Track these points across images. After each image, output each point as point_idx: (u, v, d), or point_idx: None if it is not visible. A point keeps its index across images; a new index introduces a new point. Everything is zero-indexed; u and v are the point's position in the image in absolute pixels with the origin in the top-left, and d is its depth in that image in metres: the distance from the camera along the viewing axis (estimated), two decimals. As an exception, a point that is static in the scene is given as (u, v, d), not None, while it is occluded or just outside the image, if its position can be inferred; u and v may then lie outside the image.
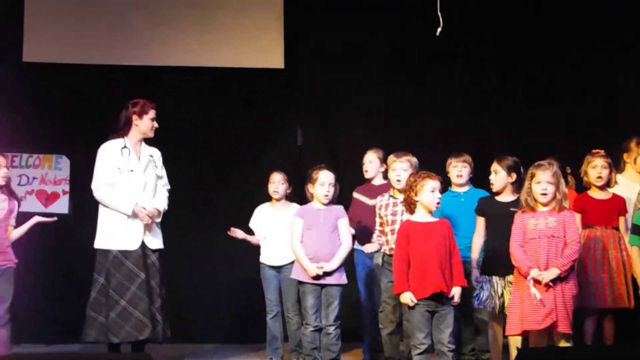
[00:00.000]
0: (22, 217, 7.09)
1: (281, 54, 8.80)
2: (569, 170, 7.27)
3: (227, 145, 8.81)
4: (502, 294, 6.43)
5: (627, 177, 7.14)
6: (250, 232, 7.58)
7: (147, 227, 6.83)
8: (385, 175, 7.38)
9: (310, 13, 8.87)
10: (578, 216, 6.59)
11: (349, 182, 7.74)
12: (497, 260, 6.46)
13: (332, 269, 6.56)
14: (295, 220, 6.77)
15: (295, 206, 7.24)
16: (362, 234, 7.22)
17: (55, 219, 7.04)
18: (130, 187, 6.83)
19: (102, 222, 6.87)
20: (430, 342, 6.01)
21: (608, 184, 6.79)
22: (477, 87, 8.95)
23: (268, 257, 7.39)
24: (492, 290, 6.47)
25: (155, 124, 6.97)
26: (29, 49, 8.59)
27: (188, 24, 8.78)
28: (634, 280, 6.59)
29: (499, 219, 6.50)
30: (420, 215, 6.16)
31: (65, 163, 8.62)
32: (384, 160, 7.41)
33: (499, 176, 6.66)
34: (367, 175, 7.51)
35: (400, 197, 6.60)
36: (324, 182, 6.71)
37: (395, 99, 8.87)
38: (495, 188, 6.71)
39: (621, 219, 6.76)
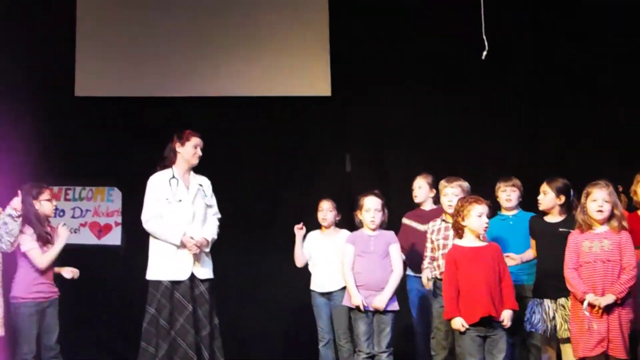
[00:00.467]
0: (73, 250, 7.16)
1: (328, 81, 8.86)
2: (620, 189, 7.17)
3: (276, 173, 8.88)
4: (554, 317, 6.36)
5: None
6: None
7: (196, 257, 6.82)
8: (435, 200, 7.36)
9: (355, 40, 8.93)
10: None
11: (399, 207, 7.71)
12: (548, 282, 6.41)
13: (384, 303, 6.52)
14: (347, 248, 6.75)
15: (344, 232, 7.22)
16: (413, 260, 7.19)
17: (73, 276, 7.02)
18: (179, 217, 6.86)
19: (153, 253, 6.92)
20: (483, 368, 5.97)
21: None
22: (526, 111, 8.91)
23: (318, 284, 7.36)
24: (544, 313, 6.40)
25: (199, 152, 6.97)
26: (81, 83, 8.76)
27: (236, 55, 8.90)
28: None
29: (547, 239, 6.47)
30: (469, 240, 6.13)
31: (117, 195, 8.73)
32: (433, 186, 7.39)
33: (547, 197, 6.62)
34: (416, 200, 7.49)
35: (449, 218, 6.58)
36: (369, 208, 6.71)
37: (443, 123, 8.85)
38: (542, 207, 6.67)
39: None
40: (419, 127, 8.83)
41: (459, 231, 6.19)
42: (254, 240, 8.76)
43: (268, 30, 8.95)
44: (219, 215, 7.13)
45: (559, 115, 8.87)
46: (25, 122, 8.18)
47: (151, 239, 6.93)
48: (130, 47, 8.83)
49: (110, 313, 8.44)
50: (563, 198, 6.58)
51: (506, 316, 5.95)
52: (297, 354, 8.35)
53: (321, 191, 7.87)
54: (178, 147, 6.96)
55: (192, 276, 6.82)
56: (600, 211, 5.96)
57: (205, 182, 7.10)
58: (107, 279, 8.37)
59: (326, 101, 8.90)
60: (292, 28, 8.98)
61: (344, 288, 6.84)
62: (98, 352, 8.41)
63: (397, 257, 6.71)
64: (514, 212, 7.06)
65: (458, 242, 6.22)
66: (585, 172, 7.58)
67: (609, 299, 5.79)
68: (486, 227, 6.11)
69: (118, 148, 8.66)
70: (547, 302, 6.42)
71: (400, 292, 6.94)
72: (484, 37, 6.80)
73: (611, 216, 5.97)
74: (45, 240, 6.74)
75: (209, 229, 6.99)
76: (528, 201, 7.04)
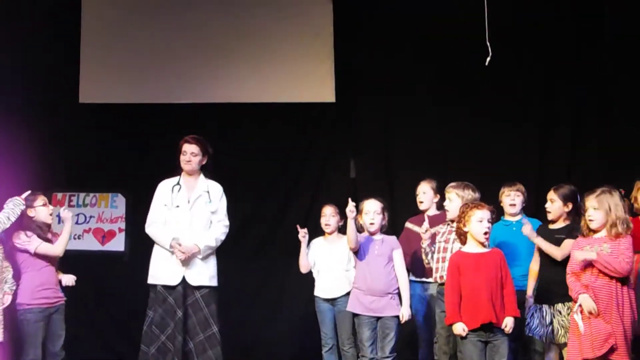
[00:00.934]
0: (76, 256, 7.18)
1: (332, 87, 8.86)
2: (622, 192, 7.15)
3: (281, 180, 8.90)
4: (551, 322, 6.36)
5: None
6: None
7: (187, 263, 6.79)
8: (439, 205, 7.36)
9: (360, 46, 8.93)
10: None
11: (404, 213, 7.73)
12: (546, 288, 6.43)
13: (409, 311, 6.62)
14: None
15: (347, 239, 7.22)
16: (415, 265, 7.19)
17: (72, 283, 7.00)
18: (177, 223, 6.88)
19: (152, 257, 6.97)
20: (483, 373, 5.97)
21: None
22: (534, 115, 8.90)
23: (322, 289, 7.34)
24: (542, 318, 6.40)
25: (188, 157, 6.94)
26: (85, 90, 8.77)
27: (241, 62, 8.90)
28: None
29: None
30: (471, 246, 6.14)
31: (121, 201, 8.74)
32: (437, 191, 7.39)
33: (555, 205, 6.60)
34: (421, 207, 7.47)
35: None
36: (368, 210, 6.76)
37: (447, 129, 8.84)
38: (550, 217, 6.64)
39: None
40: (423, 132, 8.81)
41: (461, 237, 6.20)
42: (259, 246, 8.77)
43: (273, 37, 8.95)
44: (226, 222, 7.04)
45: (567, 120, 8.87)
46: (29, 129, 8.22)
47: (155, 244, 6.97)
48: (135, 54, 8.85)
49: (113, 319, 8.45)
50: (570, 205, 6.56)
51: (508, 323, 5.94)
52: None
53: (326, 197, 7.91)
54: (179, 155, 7.00)
55: (185, 282, 6.79)
56: (591, 220, 5.97)
57: (214, 188, 7.04)
58: (111, 284, 8.39)
59: (330, 107, 8.90)
60: (297, 35, 8.98)
61: (348, 294, 6.88)
62: (102, 357, 8.41)
63: (400, 263, 6.75)
64: (518, 217, 7.03)
65: (462, 248, 6.22)
66: (594, 176, 7.65)
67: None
68: (487, 233, 6.10)
69: (122, 154, 8.69)
70: (545, 307, 6.43)
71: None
72: (488, 44, 6.80)
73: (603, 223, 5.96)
74: (46, 241, 6.75)
75: (207, 236, 6.91)
76: (534, 209, 7.04)
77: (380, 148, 8.95)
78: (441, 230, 6.85)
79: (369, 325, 6.62)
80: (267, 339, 8.54)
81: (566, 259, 6.16)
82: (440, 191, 7.30)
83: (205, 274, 6.88)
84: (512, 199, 7.05)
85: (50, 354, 6.67)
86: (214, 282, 6.93)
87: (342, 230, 7.44)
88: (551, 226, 6.63)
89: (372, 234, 6.76)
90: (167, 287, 6.81)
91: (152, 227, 6.94)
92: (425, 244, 6.84)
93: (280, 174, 8.89)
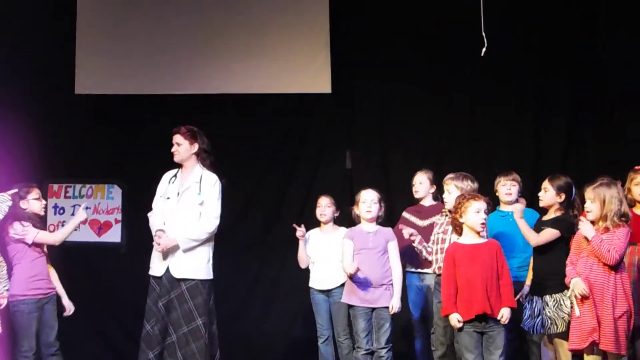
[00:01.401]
0: (73, 248, 7.18)
1: (328, 78, 8.83)
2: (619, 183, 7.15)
3: (276, 171, 8.88)
4: (539, 313, 6.39)
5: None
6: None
7: (170, 255, 6.75)
8: (435, 196, 7.36)
9: (356, 37, 8.90)
10: None
11: (401, 204, 7.73)
12: (536, 280, 6.49)
13: (399, 304, 6.62)
14: (346, 242, 6.79)
15: (343, 230, 7.20)
16: (411, 256, 7.18)
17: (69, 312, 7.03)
18: (168, 214, 6.86)
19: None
20: (481, 364, 5.98)
21: None
22: (531, 105, 8.89)
23: (317, 281, 7.36)
24: (531, 310, 6.43)
25: (174, 148, 6.92)
26: (81, 81, 8.74)
27: (237, 52, 8.87)
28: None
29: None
30: (467, 237, 6.14)
31: (117, 192, 8.72)
32: (434, 182, 7.38)
33: (547, 194, 6.62)
34: (417, 196, 7.46)
35: None
36: (365, 199, 6.76)
37: (443, 119, 8.82)
38: (541, 204, 6.68)
39: None
40: (419, 123, 8.80)
41: (457, 228, 6.20)
42: (255, 238, 8.76)
43: (268, 27, 8.92)
44: (215, 214, 6.86)
45: (563, 110, 8.86)
46: (25, 120, 8.19)
47: None
48: (131, 45, 8.82)
49: (110, 310, 8.45)
50: (563, 196, 6.57)
51: (504, 314, 5.94)
52: (296, 352, 8.35)
53: (322, 188, 7.89)
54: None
55: (170, 275, 6.73)
56: (588, 212, 6.01)
57: (206, 179, 6.92)
58: (107, 276, 8.40)
59: (326, 98, 8.87)
60: (293, 25, 8.94)
61: (343, 285, 6.88)
62: (99, 349, 8.43)
63: (395, 254, 6.75)
64: (514, 207, 7.06)
65: (457, 239, 6.22)
66: (591, 167, 7.64)
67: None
68: (484, 224, 6.10)
69: (118, 145, 8.68)
70: (536, 299, 6.46)
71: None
72: (483, 34, 6.79)
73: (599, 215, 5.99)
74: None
75: (191, 229, 6.80)
76: (531, 199, 7.04)
77: (376, 139, 8.93)
78: (439, 221, 6.85)
79: (364, 317, 6.63)
80: (263, 331, 8.54)
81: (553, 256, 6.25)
82: (436, 182, 7.30)
83: (189, 266, 6.76)
84: (508, 188, 7.05)
85: (45, 345, 6.68)
86: (200, 275, 6.78)
87: (337, 221, 7.46)
88: (544, 217, 6.65)
89: (368, 221, 6.76)
90: (155, 278, 6.82)
91: (151, 217, 6.95)
92: (416, 242, 6.84)
93: (276, 165, 8.87)
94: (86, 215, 7.04)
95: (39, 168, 8.04)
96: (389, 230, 6.84)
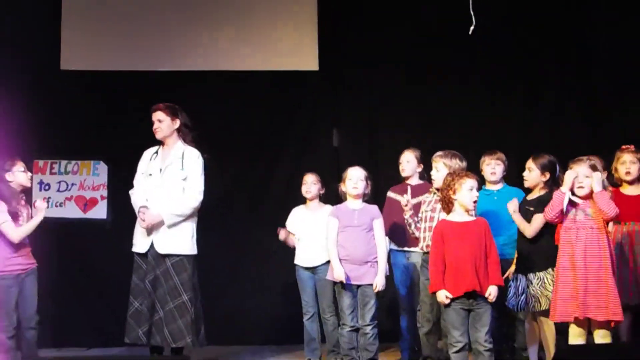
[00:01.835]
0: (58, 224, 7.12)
1: (316, 55, 8.79)
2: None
3: (264, 148, 8.85)
4: (524, 291, 6.44)
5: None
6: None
7: (154, 231, 6.81)
8: (421, 175, 7.37)
9: (343, 14, 8.86)
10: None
11: (387, 182, 7.72)
12: (520, 258, 6.54)
13: (383, 282, 6.64)
14: (330, 221, 6.80)
15: (329, 207, 7.21)
16: (397, 234, 7.21)
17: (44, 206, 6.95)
18: (150, 190, 6.90)
19: (136, 226, 6.99)
20: (466, 341, 6.00)
21: (639, 180, 6.72)
22: (517, 85, 8.91)
23: (303, 258, 7.38)
24: (515, 288, 6.47)
25: (154, 126, 6.98)
26: (66, 57, 8.66)
27: (223, 29, 8.82)
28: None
29: (520, 216, 6.55)
30: (457, 215, 6.16)
31: (103, 169, 8.68)
32: (421, 160, 7.39)
33: (532, 174, 6.65)
34: (403, 174, 7.46)
35: None
36: (352, 177, 6.78)
37: (432, 97, 8.80)
38: (527, 184, 6.72)
39: None
40: (407, 101, 8.79)
41: (448, 205, 6.20)
42: (241, 216, 8.74)
43: (256, 3, 8.87)
44: (199, 189, 6.95)
45: (551, 90, 8.91)
46: (10, 96, 8.11)
47: None
48: (117, 21, 8.74)
49: (95, 286, 8.42)
50: (548, 175, 6.61)
51: (491, 291, 5.98)
52: (281, 329, 8.37)
53: (309, 166, 7.87)
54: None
55: (155, 250, 6.80)
56: (581, 187, 6.06)
57: (189, 154, 6.99)
58: (93, 252, 8.35)
59: (314, 76, 8.84)
60: (280, 1, 8.92)
61: (329, 262, 6.87)
62: (84, 324, 8.40)
63: (380, 232, 6.76)
64: (499, 186, 7.09)
65: (446, 217, 6.24)
66: (578, 146, 7.66)
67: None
68: (476, 201, 6.13)
69: (104, 122, 8.60)
70: (520, 276, 6.51)
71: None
72: (472, 12, 6.78)
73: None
74: (14, 216, 6.71)
75: (174, 204, 6.86)
76: (517, 178, 7.07)
77: (363, 116, 8.91)
78: (427, 199, 6.86)
79: (349, 294, 6.67)
80: (249, 308, 8.52)
81: (538, 234, 6.33)
82: (423, 161, 7.31)
83: (174, 242, 6.83)
84: (492, 167, 7.09)
85: (24, 319, 6.67)
86: (184, 250, 6.86)
87: (323, 198, 7.47)
88: (528, 196, 6.70)
89: (354, 198, 6.76)
90: (140, 255, 6.86)
91: (133, 194, 6.99)
92: (407, 214, 6.85)
93: (263, 143, 8.84)
94: (45, 205, 6.93)
95: (25, 144, 7.97)
96: (374, 208, 6.85)
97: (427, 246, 6.57)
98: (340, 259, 6.65)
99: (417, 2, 8.74)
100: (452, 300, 5.97)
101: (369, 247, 6.66)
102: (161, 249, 6.79)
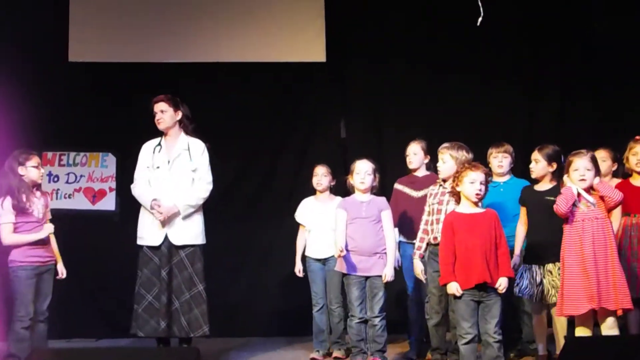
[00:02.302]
0: (67, 215, 7.13)
1: (323, 47, 8.78)
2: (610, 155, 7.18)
3: (271, 140, 8.86)
4: (541, 282, 6.45)
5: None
6: (296, 225, 7.60)
7: (169, 223, 6.85)
8: (428, 166, 7.38)
9: (351, 6, 8.85)
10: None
11: (394, 174, 7.72)
12: (536, 249, 6.50)
13: (392, 274, 6.65)
14: (339, 213, 6.80)
15: (339, 199, 7.24)
16: (405, 226, 7.21)
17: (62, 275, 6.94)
18: (159, 183, 6.93)
19: (139, 219, 7.04)
20: (476, 332, 6.02)
21: None
22: (523, 77, 8.92)
23: (313, 250, 7.41)
24: (531, 279, 6.47)
25: (158, 116, 7.02)
26: (74, 49, 8.66)
27: (231, 21, 8.81)
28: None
29: (535, 208, 6.57)
30: (465, 207, 6.18)
31: (111, 160, 8.70)
32: (427, 152, 7.39)
33: (539, 165, 6.66)
34: (410, 166, 7.45)
35: (448, 185, 6.59)
36: (359, 170, 6.79)
37: (438, 89, 8.81)
38: (534, 176, 6.72)
39: None
40: (414, 93, 8.79)
41: (455, 197, 6.26)
42: (248, 205, 8.76)
43: (262, -5, 8.90)
44: (208, 179, 7.04)
45: (556, 81, 8.91)
46: (18, 88, 8.14)
47: (141, 206, 7.03)
48: (125, 13, 8.75)
49: (104, 278, 8.45)
50: (555, 165, 6.62)
51: (502, 283, 5.99)
52: (291, 320, 8.39)
53: (316, 158, 7.90)
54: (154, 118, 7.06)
55: (169, 242, 6.84)
56: (583, 180, 6.04)
57: (195, 145, 7.04)
58: (101, 244, 8.36)
59: (321, 67, 8.84)
60: (287, -7, 8.93)
61: (339, 253, 6.88)
62: (92, 316, 8.44)
63: (389, 224, 6.77)
64: (506, 178, 7.11)
65: (456, 208, 6.26)
66: (583, 137, 7.67)
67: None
68: (478, 194, 6.12)
69: (112, 113, 8.61)
70: (535, 267, 6.51)
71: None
72: (479, 3, 6.78)
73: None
74: (21, 210, 6.67)
75: (188, 195, 6.92)
76: (523, 169, 7.07)
77: (371, 108, 8.93)
78: (433, 191, 6.86)
79: (357, 285, 6.68)
80: (257, 299, 8.57)
81: (556, 219, 6.23)
82: (430, 152, 7.32)
83: (188, 233, 6.91)
84: (499, 160, 7.11)
85: (37, 312, 6.67)
86: (198, 241, 6.97)
87: (334, 191, 7.48)
88: (537, 187, 6.68)
89: (362, 192, 6.77)
90: (151, 248, 6.89)
91: (136, 188, 7.03)
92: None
93: (269, 134, 8.85)
94: (51, 230, 6.82)
95: (34, 136, 8.01)
96: (382, 200, 6.86)
97: (435, 238, 6.58)
98: (348, 251, 6.66)
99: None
100: (463, 292, 5.99)
101: (377, 239, 6.68)
102: (176, 241, 6.85)
